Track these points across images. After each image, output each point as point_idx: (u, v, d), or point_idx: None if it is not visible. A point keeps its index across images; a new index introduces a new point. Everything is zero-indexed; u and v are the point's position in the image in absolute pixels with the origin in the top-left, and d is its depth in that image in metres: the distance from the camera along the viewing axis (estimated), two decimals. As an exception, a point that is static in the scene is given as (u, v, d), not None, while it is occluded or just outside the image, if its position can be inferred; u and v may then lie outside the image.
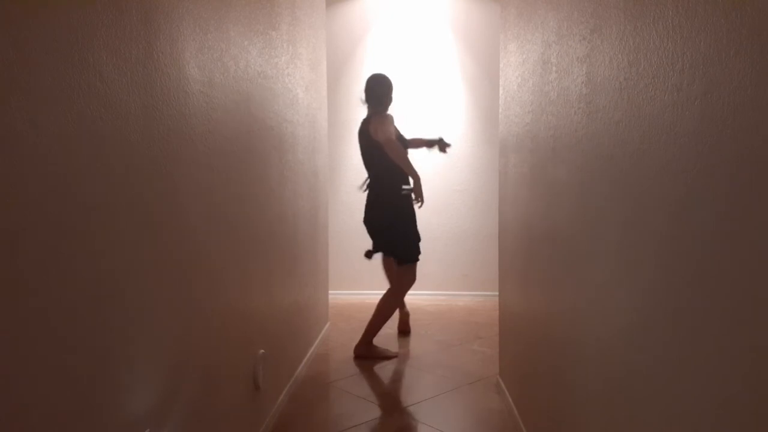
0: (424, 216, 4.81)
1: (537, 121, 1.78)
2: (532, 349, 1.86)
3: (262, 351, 1.96)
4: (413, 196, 3.05)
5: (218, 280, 1.55)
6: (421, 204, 3.04)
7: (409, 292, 3.29)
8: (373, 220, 3.16)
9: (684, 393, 0.81)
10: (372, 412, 2.33)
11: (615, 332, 1.08)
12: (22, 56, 0.77)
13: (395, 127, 3.13)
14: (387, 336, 3.39)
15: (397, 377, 2.74)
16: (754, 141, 0.64)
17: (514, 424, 2.08)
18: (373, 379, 2.71)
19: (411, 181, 3.05)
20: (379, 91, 3.20)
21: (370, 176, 3.22)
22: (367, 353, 3.04)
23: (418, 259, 3.14)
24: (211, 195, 1.49)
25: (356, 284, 4.67)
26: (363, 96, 3.24)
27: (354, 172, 4.73)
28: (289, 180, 2.47)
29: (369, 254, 3.20)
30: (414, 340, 3.43)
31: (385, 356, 3.04)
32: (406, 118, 4.58)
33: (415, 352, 3.16)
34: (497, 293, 2.72)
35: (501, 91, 2.50)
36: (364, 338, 3.07)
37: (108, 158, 0.98)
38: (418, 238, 3.17)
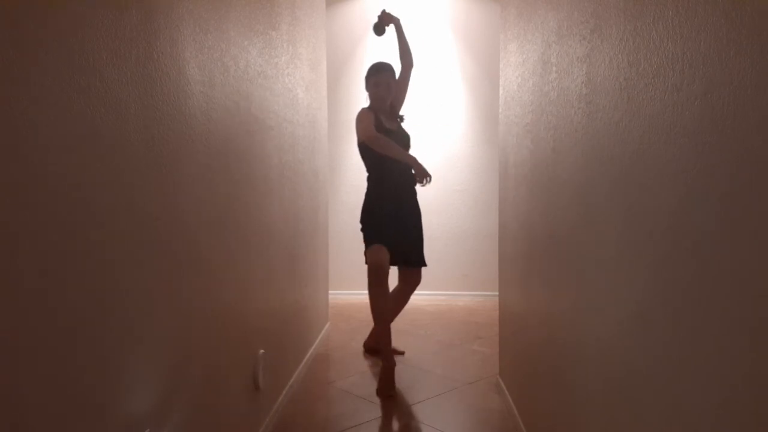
0: (424, 216, 4.81)
1: (537, 121, 1.78)
2: (532, 349, 1.86)
3: (262, 351, 1.96)
4: (421, 179, 2.85)
5: (218, 280, 1.55)
6: (429, 179, 2.83)
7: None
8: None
9: (684, 393, 0.81)
10: (372, 412, 2.32)
11: (615, 332, 1.08)
12: (22, 56, 0.77)
13: (379, 120, 2.90)
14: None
15: (397, 377, 2.74)
16: (754, 141, 0.64)
17: (514, 424, 2.08)
18: (373, 380, 2.71)
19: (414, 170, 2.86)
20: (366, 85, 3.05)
21: None
22: (376, 345, 2.94)
23: (372, 243, 2.81)
24: (211, 195, 1.49)
25: (356, 284, 4.67)
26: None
27: (354, 172, 4.73)
28: (289, 180, 2.47)
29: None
30: (414, 340, 3.42)
31: (394, 352, 2.85)
32: (406, 118, 4.58)
33: (415, 352, 3.16)
34: (497, 293, 2.72)
35: (501, 91, 2.50)
36: (371, 335, 3.06)
37: (108, 158, 0.98)
38: (380, 228, 2.84)
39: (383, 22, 3.12)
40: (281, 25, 2.34)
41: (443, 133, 4.80)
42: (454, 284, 4.78)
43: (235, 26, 1.69)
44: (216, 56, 1.51)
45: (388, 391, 2.52)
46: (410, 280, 3.06)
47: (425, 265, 3.05)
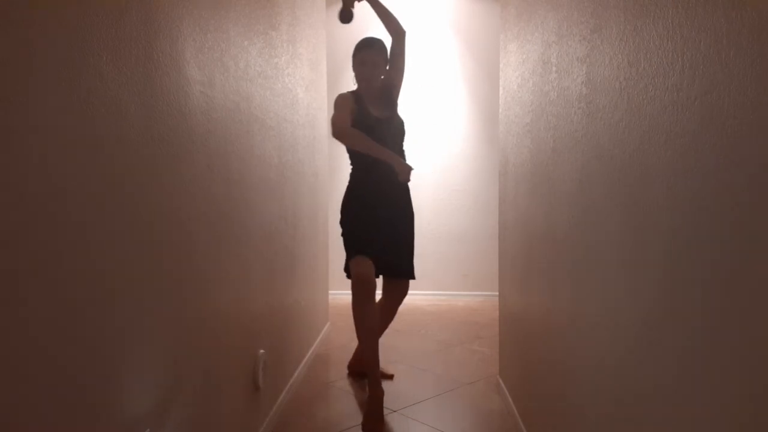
0: (424, 216, 4.82)
1: (537, 121, 1.78)
2: (532, 349, 1.86)
3: (262, 351, 1.96)
4: (405, 179, 2.37)
5: (218, 280, 1.55)
6: (407, 177, 2.36)
7: (410, 292, 2.78)
8: None
9: (685, 393, 0.81)
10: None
11: (614, 332, 1.08)
12: (22, 56, 0.77)
13: (352, 108, 2.42)
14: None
15: (397, 377, 2.74)
16: (754, 141, 0.64)
17: (514, 424, 2.08)
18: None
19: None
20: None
21: None
22: (362, 369, 2.54)
23: (355, 254, 2.41)
24: (211, 195, 1.49)
25: (356, 284, 4.66)
26: None
27: (354, 172, 4.73)
28: (289, 180, 2.47)
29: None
30: (414, 340, 3.42)
31: (382, 377, 2.55)
32: (407, 118, 4.58)
33: (415, 352, 3.16)
34: (497, 293, 2.72)
35: (501, 91, 2.50)
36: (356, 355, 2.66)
37: (107, 158, 0.98)
38: (364, 235, 2.43)
39: (347, 3, 2.58)
40: (281, 25, 2.34)
41: (443, 133, 4.80)
42: (454, 284, 4.78)
43: (235, 26, 1.69)
44: (216, 56, 1.51)
45: (375, 425, 2.15)
46: (395, 293, 2.64)
47: (413, 277, 2.61)
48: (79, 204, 0.90)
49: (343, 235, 2.49)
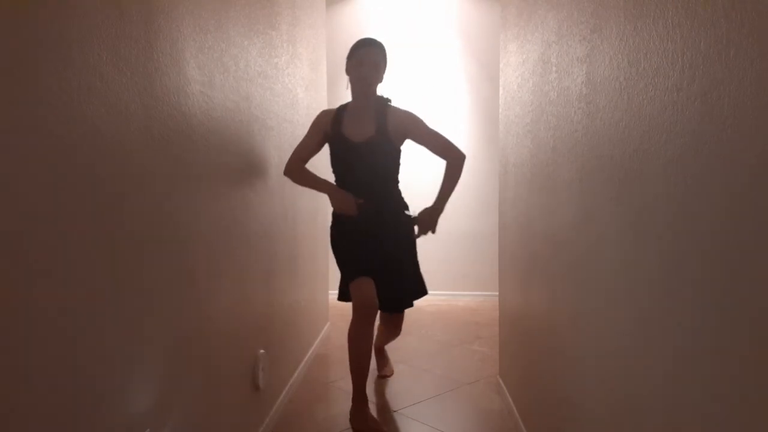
0: (424, 216, 4.80)
1: (537, 121, 1.78)
2: (532, 350, 1.86)
3: (262, 351, 1.96)
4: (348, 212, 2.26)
5: (218, 280, 1.55)
6: (347, 212, 2.25)
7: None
8: None
9: (685, 394, 0.81)
10: (371, 412, 2.32)
11: (614, 332, 1.08)
12: (22, 56, 0.77)
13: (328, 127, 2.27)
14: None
15: (397, 377, 2.74)
16: (754, 141, 0.64)
17: (514, 424, 2.08)
18: (372, 380, 2.71)
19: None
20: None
21: None
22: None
23: (351, 279, 2.20)
24: (211, 195, 1.49)
25: (356, 284, 4.66)
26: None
27: (354, 172, 4.72)
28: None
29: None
30: (414, 340, 3.42)
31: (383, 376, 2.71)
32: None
33: (415, 352, 3.16)
34: (497, 293, 2.72)
35: (501, 91, 2.50)
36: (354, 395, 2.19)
37: (108, 158, 0.98)
38: (355, 262, 2.24)
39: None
40: (281, 25, 2.34)
41: (443, 133, 4.80)
42: (454, 284, 4.78)
43: (235, 26, 1.69)
44: (216, 56, 1.51)
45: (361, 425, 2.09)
46: (395, 320, 2.53)
47: (411, 305, 2.42)
48: (78, 204, 0.90)
49: (336, 259, 2.34)
